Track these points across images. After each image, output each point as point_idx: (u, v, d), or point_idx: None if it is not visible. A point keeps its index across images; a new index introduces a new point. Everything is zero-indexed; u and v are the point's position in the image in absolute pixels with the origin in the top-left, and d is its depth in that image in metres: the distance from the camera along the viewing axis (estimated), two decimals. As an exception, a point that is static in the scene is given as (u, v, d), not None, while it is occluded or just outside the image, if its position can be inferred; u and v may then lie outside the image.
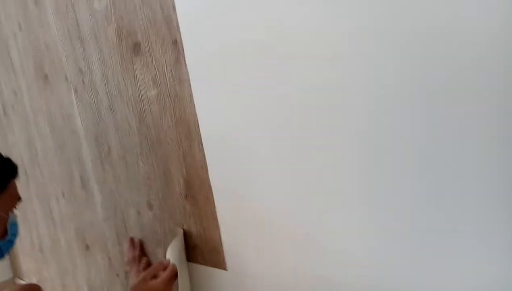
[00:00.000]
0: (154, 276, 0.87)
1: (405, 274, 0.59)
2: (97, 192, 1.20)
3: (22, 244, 1.81)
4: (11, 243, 0.88)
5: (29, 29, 1.23)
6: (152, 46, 0.84)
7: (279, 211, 0.73)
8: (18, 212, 1.68)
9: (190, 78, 0.79)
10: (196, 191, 0.87)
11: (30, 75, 1.31)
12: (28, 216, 1.70)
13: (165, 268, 0.87)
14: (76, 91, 1.12)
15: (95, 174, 1.18)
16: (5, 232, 0.85)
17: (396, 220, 0.58)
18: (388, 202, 0.58)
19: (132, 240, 1.08)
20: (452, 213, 0.53)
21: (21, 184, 1.61)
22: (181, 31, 0.77)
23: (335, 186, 0.64)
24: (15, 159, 0.90)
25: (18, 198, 0.88)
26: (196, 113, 0.81)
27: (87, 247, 1.35)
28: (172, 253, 0.90)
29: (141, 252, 1.06)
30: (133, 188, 1.05)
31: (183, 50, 0.78)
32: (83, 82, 1.07)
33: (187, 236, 0.93)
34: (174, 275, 0.87)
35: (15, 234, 0.89)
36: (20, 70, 1.36)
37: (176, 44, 0.79)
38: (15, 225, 0.89)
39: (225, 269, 0.87)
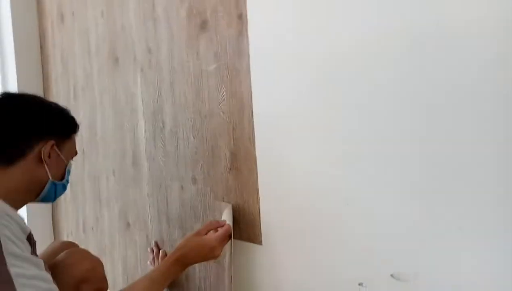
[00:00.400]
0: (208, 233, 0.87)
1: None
2: (146, 169, 1.25)
3: (68, 224, 1.91)
4: (64, 187, 0.94)
5: (110, 15, 1.36)
6: (218, 22, 0.90)
7: (320, 188, 0.72)
8: (69, 189, 1.79)
9: (250, 51, 0.83)
10: (241, 163, 0.89)
11: (103, 59, 1.44)
12: (78, 196, 1.80)
13: (220, 227, 0.87)
14: (142, 70, 1.21)
15: (147, 151, 1.24)
16: (63, 176, 0.92)
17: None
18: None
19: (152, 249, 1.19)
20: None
21: (77, 164, 1.73)
22: (247, 5, 0.82)
23: (377, 156, 0.63)
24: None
25: (75, 152, 0.98)
26: (251, 86, 0.84)
27: (128, 225, 1.40)
28: (226, 218, 0.90)
29: (158, 249, 1.18)
30: (180, 163, 1.09)
31: (247, 23, 0.83)
32: (150, 61, 1.16)
33: (226, 210, 0.94)
34: (228, 235, 0.86)
35: (68, 181, 0.96)
36: (95, 54, 1.50)
37: (241, 18, 0.84)
38: (69, 172, 0.95)
39: (260, 243, 0.86)
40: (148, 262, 1.20)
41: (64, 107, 0.94)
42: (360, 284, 0.68)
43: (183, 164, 1.08)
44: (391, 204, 0.63)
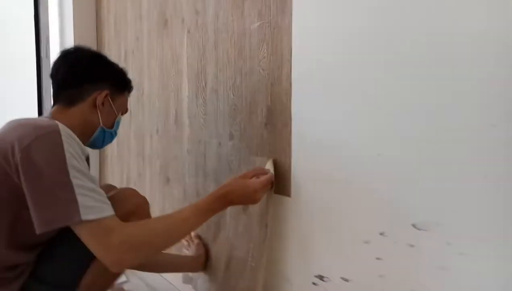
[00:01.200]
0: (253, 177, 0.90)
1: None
2: (187, 127, 1.33)
3: (114, 179, 2.05)
4: (112, 137, 1.04)
5: (162, -21, 1.43)
6: (263, -19, 0.93)
7: (351, 143, 0.75)
8: (116, 147, 1.92)
9: (293, 9, 0.86)
10: (276, 118, 0.93)
11: (153, 22, 1.52)
12: (124, 154, 1.93)
13: (264, 174, 0.90)
14: (189, 31, 1.27)
15: (189, 109, 1.31)
16: (112, 125, 1.01)
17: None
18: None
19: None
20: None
21: (124, 123, 1.84)
22: (293, -39, 0.84)
23: (406, 111, 0.64)
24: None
25: (126, 109, 1.08)
26: (291, 43, 0.87)
27: (167, 180, 1.49)
28: (270, 168, 0.94)
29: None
30: (219, 120, 1.15)
31: (291, -19, 0.85)
32: (197, 22, 1.22)
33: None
34: (271, 182, 0.91)
35: (116, 132, 1.05)
36: (146, 17, 1.58)
37: (285, -24, 0.87)
38: (118, 124, 1.04)
39: (289, 196, 0.90)
40: (184, 248, 1.29)
41: (122, 67, 1.04)
42: (381, 234, 0.71)
43: (221, 121, 1.14)
44: (417, 156, 0.64)
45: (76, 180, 0.74)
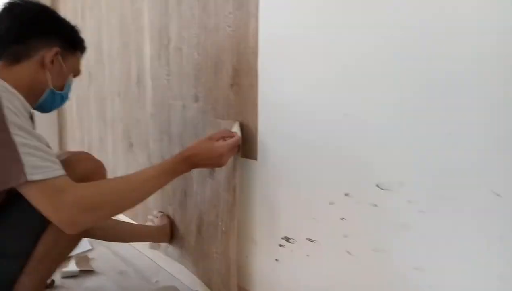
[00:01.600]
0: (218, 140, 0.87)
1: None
2: (150, 88, 1.26)
3: (75, 144, 1.96)
4: (63, 100, 0.94)
5: None
6: None
7: (318, 100, 0.73)
8: (76, 111, 1.82)
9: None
10: (243, 78, 0.89)
11: (111, -26, 1.40)
12: (84, 118, 1.84)
13: (230, 137, 0.88)
14: (149, -15, 1.18)
15: (151, 69, 1.24)
16: (62, 88, 0.93)
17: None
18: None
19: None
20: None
21: (83, 85, 1.74)
22: None
23: (373, 74, 0.63)
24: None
25: (79, 71, 0.98)
26: (259, -2, 0.82)
27: (131, 145, 1.44)
28: (236, 131, 0.91)
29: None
30: (183, 81, 1.10)
31: None
32: (158, -26, 1.13)
33: (225, 127, 0.96)
34: (238, 146, 0.88)
35: (67, 96, 0.96)
36: (103, -31, 1.45)
37: None
38: (69, 87, 0.96)
39: (255, 159, 0.89)
40: (148, 222, 1.27)
41: (74, 25, 0.94)
42: (346, 194, 0.71)
43: (186, 82, 1.08)
44: (381, 117, 0.63)
45: (19, 137, 0.68)
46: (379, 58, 0.63)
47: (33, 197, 0.69)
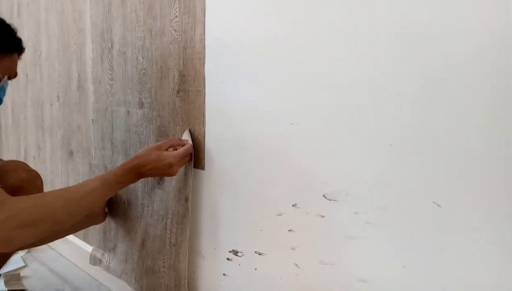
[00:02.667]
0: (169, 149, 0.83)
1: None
2: (91, 93, 1.18)
3: (10, 153, 1.80)
4: None
5: None
6: None
7: (265, 109, 0.71)
8: (11, 116, 1.67)
9: (206, -37, 0.78)
10: (189, 84, 0.85)
11: (50, -30, 1.31)
12: (20, 123, 1.69)
13: (181, 145, 0.83)
14: (91, -17, 1.11)
15: (93, 73, 1.16)
16: None
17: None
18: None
19: None
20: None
21: (19, 89, 1.60)
22: None
23: (321, 81, 0.62)
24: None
25: (15, 72, 0.90)
26: (205, 1, 0.79)
27: (71, 153, 1.34)
28: (187, 139, 0.87)
29: None
30: (127, 86, 1.04)
31: None
32: (100, -27, 1.06)
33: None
34: (189, 154, 0.83)
35: (1, 99, 0.88)
36: (41, -36, 1.35)
37: None
38: (3, 90, 0.88)
39: (203, 169, 0.85)
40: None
41: (10, 24, 0.87)
42: (294, 205, 0.69)
43: (130, 87, 1.03)
44: (328, 127, 0.63)
45: None
46: (326, 68, 0.63)
47: None
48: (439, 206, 0.52)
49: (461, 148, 0.49)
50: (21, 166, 0.89)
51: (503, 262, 0.48)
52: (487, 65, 0.47)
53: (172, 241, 0.91)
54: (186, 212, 0.87)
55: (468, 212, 0.49)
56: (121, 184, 0.78)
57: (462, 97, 0.49)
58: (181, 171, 0.85)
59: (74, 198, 0.73)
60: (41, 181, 0.91)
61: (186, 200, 0.86)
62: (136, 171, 0.79)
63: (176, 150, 0.82)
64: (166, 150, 0.81)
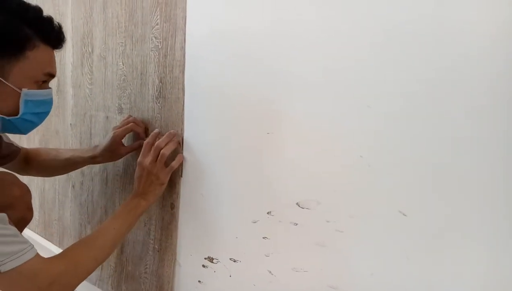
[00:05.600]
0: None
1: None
2: (70, 97, 1.17)
3: (-18, 155, 1.75)
4: (25, 121, 0.70)
5: None
6: None
7: (241, 117, 0.72)
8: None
9: (188, -27, 0.79)
10: (169, 91, 0.86)
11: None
12: (-5, 126, 1.66)
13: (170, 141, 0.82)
14: (73, -12, 1.11)
15: (73, 77, 1.16)
16: (16, 111, 0.68)
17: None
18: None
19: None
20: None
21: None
22: None
23: (292, 87, 0.64)
24: None
25: (49, 72, 0.71)
26: (186, 10, 0.80)
27: (48, 158, 1.31)
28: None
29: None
30: (107, 91, 1.03)
31: None
32: (83, -22, 1.07)
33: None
34: (180, 161, 0.84)
35: (32, 112, 0.70)
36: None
37: None
38: (28, 104, 0.68)
39: (180, 175, 0.85)
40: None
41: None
42: (268, 213, 0.70)
43: (109, 92, 1.02)
44: (300, 136, 0.64)
45: None
46: (301, 79, 0.64)
47: (4, 288, 0.61)
48: (404, 215, 0.54)
49: (425, 162, 0.52)
50: (13, 181, 0.86)
51: (465, 268, 0.50)
52: (454, 80, 0.50)
53: (156, 247, 0.91)
54: (172, 218, 0.87)
55: (431, 220, 0.52)
56: (131, 211, 0.79)
57: (429, 112, 0.51)
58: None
59: (100, 252, 0.75)
60: (31, 195, 0.90)
61: (172, 206, 0.87)
62: (140, 207, 0.80)
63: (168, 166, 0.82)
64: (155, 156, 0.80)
